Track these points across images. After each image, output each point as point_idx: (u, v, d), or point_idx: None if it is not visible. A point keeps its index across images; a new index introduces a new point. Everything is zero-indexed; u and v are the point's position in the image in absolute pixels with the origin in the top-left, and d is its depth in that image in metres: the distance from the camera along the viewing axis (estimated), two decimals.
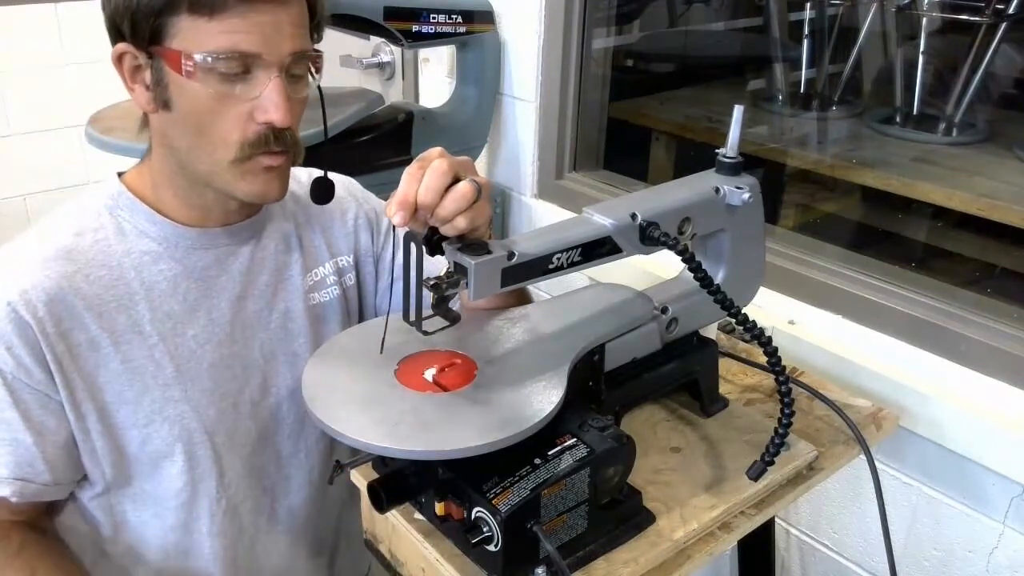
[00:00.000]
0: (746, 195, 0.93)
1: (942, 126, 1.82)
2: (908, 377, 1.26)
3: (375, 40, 2.22)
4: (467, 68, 1.86)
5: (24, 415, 0.90)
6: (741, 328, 0.82)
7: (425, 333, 0.81)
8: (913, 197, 1.62)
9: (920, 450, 1.26)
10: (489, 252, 0.77)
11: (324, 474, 1.09)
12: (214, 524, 1.00)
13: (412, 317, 0.79)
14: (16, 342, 0.87)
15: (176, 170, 0.93)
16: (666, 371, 1.00)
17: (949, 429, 1.21)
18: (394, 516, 0.87)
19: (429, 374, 0.84)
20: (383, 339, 0.87)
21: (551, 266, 0.82)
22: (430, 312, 0.80)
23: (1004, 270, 1.58)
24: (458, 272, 0.77)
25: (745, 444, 1.00)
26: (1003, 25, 1.74)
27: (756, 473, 0.87)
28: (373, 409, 0.80)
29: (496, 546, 0.76)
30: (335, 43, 2.10)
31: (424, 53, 2.08)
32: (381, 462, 0.88)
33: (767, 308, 1.44)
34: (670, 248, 0.83)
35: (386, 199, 0.78)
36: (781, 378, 0.82)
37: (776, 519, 1.36)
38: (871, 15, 1.96)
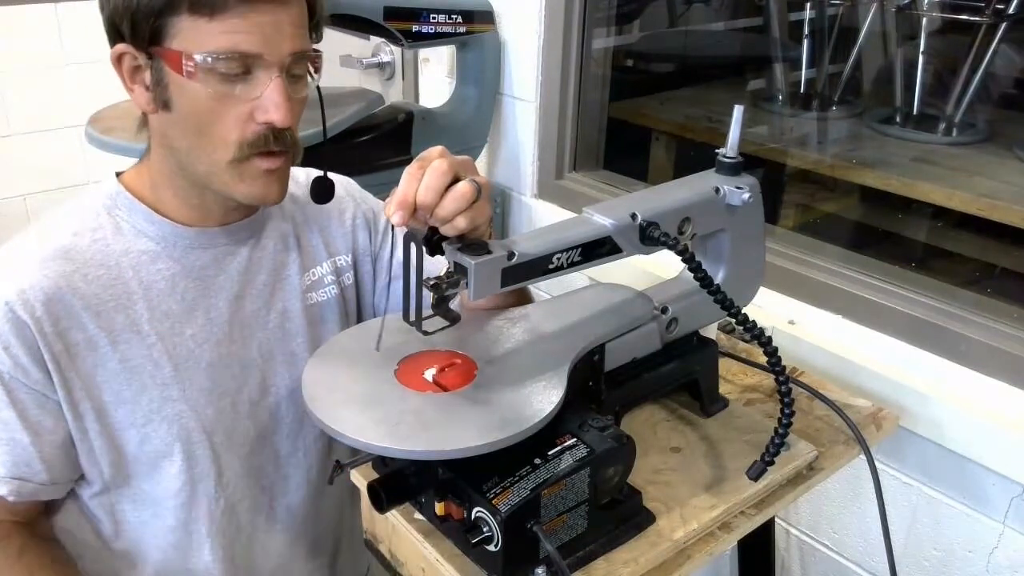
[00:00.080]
0: (746, 195, 0.93)
1: (942, 126, 1.82)
2: (908, 377, 1.26)
3: (375, 40, 2.22)
4: (467, 68, 1.86)
5: (21, 415, 0.90)
6: (741, 328, 0.82)
7: (425, 333, 0.81)
8: (913, 197, 1.62)
9: (920, 450, 1.26)
10: (489, 252, 0.77)
11: (322, 473, 1.09)
12: (213, 523, 1.00)
13: (412, 317, 0.79)
14: (13, 342, 0.87)
15: (175, 170, 0.93)
16: (666, 371, 1.00)
17: (949, 429, 1.21)
18: (394, 516, 0.87)
19: (429, 374, 0.84)
20: (379, 337, 0.87)
21: (551, 266, 0.82)
22: (430, 312, 0.80)
23: (1004, 270, 1.58)
24: (458, 272, 0.77)
25: (745, 444, 1.00)
26: (1003, 25, 1.73)
27: (756, 473, 0.87)
28: (373, 409, 0.80)
29: (496, 546, 0.76)
30: (335, 43, 2.10)
31: (424, 53, 2.08)
32: (381, 462, 0.88)
33: (767, 308, 1.44)
34: (670, 248, 0.83)
35: (385, 199, 0.78)
36: (781, 378, 0.82)
37: (776, 519, 1.36)
38: (871, 15, 1.96)
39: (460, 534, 0.80)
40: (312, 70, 0.91)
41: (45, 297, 0.88)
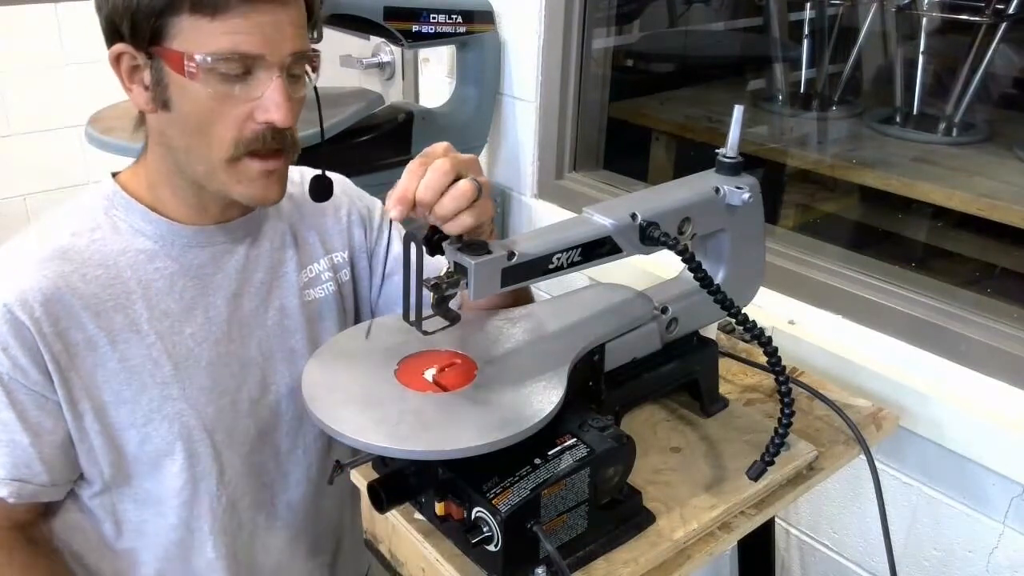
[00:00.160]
0: (746, 195, 0.93)
1: (942, 126, 1.82)
2: (908, 377, 1.26)
3: (375, 40, 2.22)
4: (467, 68, 1.86)
5: (21, 416, 0.90)
6: (741, 328, 0.82)
7: (425, 333, 0.81)
8: (913, 197, 1.62)
9: (920, 450, 1.26)
10: (489, 252, 0.77)
11: (322, 470, 1.09)
12: (215, 521, 1.01)
13: (412, 317, 0.79)
14: (12, 343, 0.87)
15: (173, 169, 0.93)
16: (666, 371, 1.00)
17: (949, 429, 1.21)
18: (394, 516, 0.87)
19: (429, 374, 0.84)
20: (368, 328, 0.88)
21: (551, 266, 0.82)
22: (430, 312, 0.80)
23: (1004, 270, 1.58)
24: (458, 272, 0.77)
25: (745, 444, 1.00)
26: (1003, 25, 1.74)
27: (756, 473, 0.87)
28: (373, 409, 0.80)
29: (496, 546, 0.76)
30: (335, 43, 2.11)
31: (424, 53, 2.08)
32: (381, 462, 0.88)
33: (767, 308, 1.44)
34: (670, 248, 0.83)
35: (384, 198, 0.78)
36: (781, 378, 0.82)
37: (776, 519, 1.36)
38: (871, 15, 1.97)
39: (460, 534, 0.80)
40: (310, 70, 0.91)
41: (43, 298, 0.88)
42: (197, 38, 0.82)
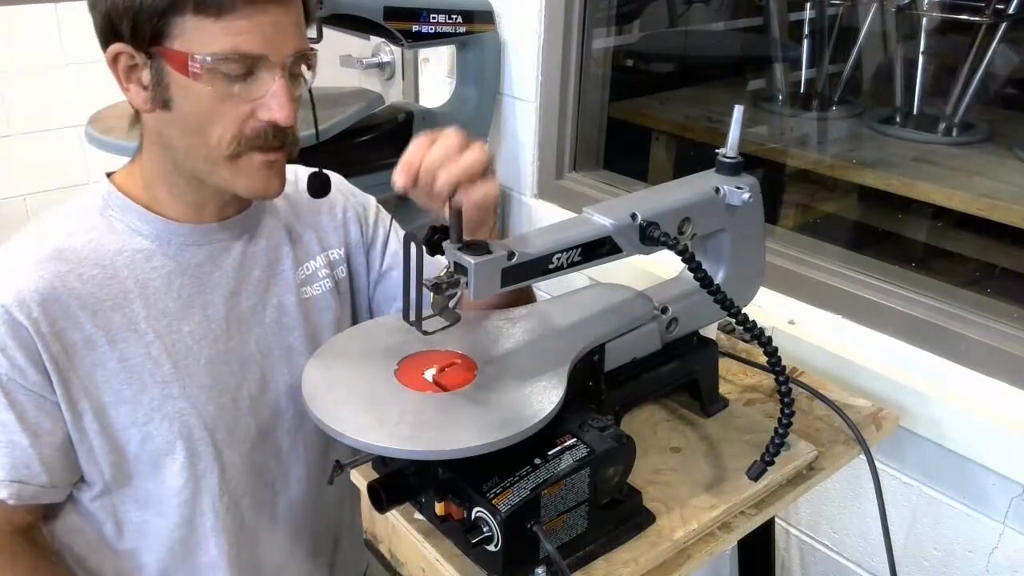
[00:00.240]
0: (746, 195, 0.93)
1: (942, 126, 1.82)
2: (908, 377, 1.26)
3: (375, 40, 2.22)
4: (467, 68, 1.86)
5: (20, 416, 0.90)
6: (741, 328, 0.82)
7: (425, 333, 0.81)
8: (913, 197, 1.62)
9: (920, 450, 1.26)
10: (489, 252, 0.77)
11: (321, 468, 1.09)
12: (218, 521, 1.01)
13: (412, 317, 0.79)
14: (10, 343, 0.87)
15: (171, 168, 0.93)
16: (666, 371, 1.00)
17: (949, 429, 1.21)
18: (394, 516, 0.87)
19: (429, 374, 0.84)
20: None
21: (551, 266, 0.82)
22: (430, 312, 0.80)
23: (1004, 270, 1.58)
24: (458, 272, 0.77)
25: (745, 444, 1.00)
26: (1003, 25, 1.74)
27: (756, 473, 0.87)
28: (373, 409, 0.80)
29: (496, 546, 0.76)
30: (335, 43, 2.11)
31: (424, 53, 2.08)
32: (381, 462, 0.88)
33: (767, 308, 1.44)
34: (670, 248, 0.83)
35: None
36: (781, 378, 0.82)
37: (776, 519, 1.36)
38: (871, 15, 1.97)
39: (460, 534, 0.80)
40: (305, 68, 0.91)
41: (41, 298, 0.88)
42: (200, 38, 0.82)
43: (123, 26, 0.84)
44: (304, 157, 0.99)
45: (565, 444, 0.81)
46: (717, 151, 0.95)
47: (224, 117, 0.86)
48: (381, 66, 2.28)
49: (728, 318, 0.86)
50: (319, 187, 1.02)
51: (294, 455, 1.06)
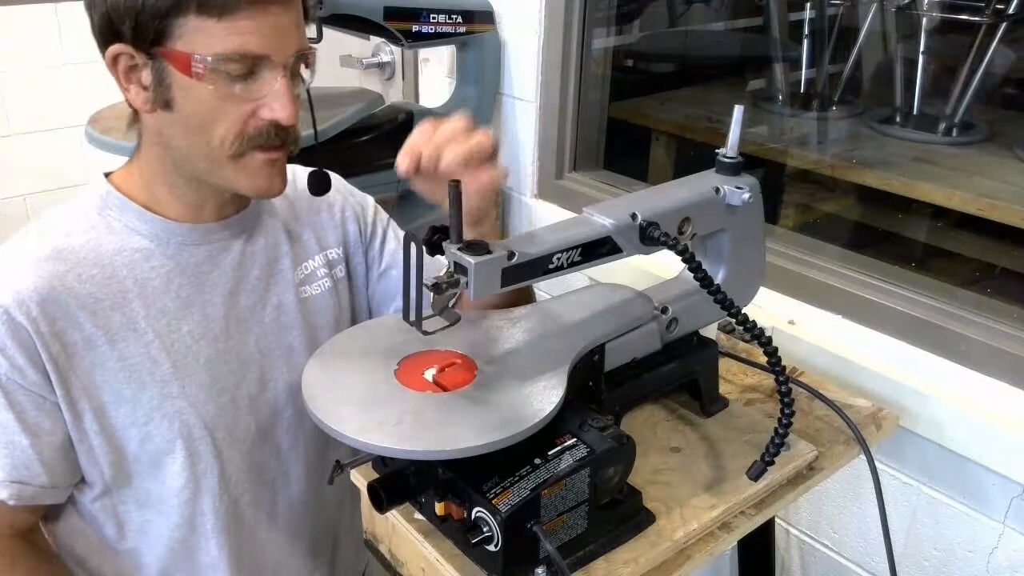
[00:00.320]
0: (746, 195, 0.93)
1: (942, 126, 1.82)
2: (908, 377, 1.26)
3: (375, 40, 2.22)
4: (467, 68, 1.86)
5: (19, 417, 0.90)
6: (741, 328, 0.82)
7: (425, 333, 0.81)
8: (913, 197, 1.62)
9: (920, 450, 1.26)
10: (489, 252, 0.77)
11: (321, 467, 1.09)
12: (218, 520, 1.01)
13: (412, 317, 0.79)
14: (9, 344, 0.87)
15: (171, 168, 0.93)
16: (666, 371, 1.00)
17: (949, 429, 1.21)
18: (394, 516, 0.87)
19: (429, 374, 0.84)
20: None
21: (551, 266, 0.82)
22: (430, 312, 0.80)
23: (1004, 270, 1.58)
24: (458, 272, 0.77)
25: (745, 444, 1.00)
26: (1003, 25, 1.74)
27: (756, 473, 0.87)
28: (373, 409, 0.80)
29: (496, 546, 0.76)
30: (335, 43, 2.10)
31: (424, 53, 2.08)
32: (381, 462, 0.88)
33: (767, 308, 1.44)
34: (670, 248, 0.83)
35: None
36: (781, 378, 0.82)
37: (776, 519, 1.36)
38: (871, 15, 1.97)
39: (460, 534, 0.80)
40: (304, 67, 0.92)
41: (40, 298, 0.88)
42: (203, 39, 0.82)
43: (124, 27, 0.84)
44: (303, 157, 0.99)
45: (565, 444, 0.81)
46: (717, 151, 0.95)
47: (226, 117, 0.86)
48: (381, 66, 2.28)
49: (728, 318, 0.86)
50: (320, 185, 1.02)
51: (293, 454, 1.06)
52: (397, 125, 1.80)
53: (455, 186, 0.75)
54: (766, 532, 1.22)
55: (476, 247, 0.77)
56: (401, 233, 1.17)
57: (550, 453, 0.79)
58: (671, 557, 0.85)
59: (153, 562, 1.01)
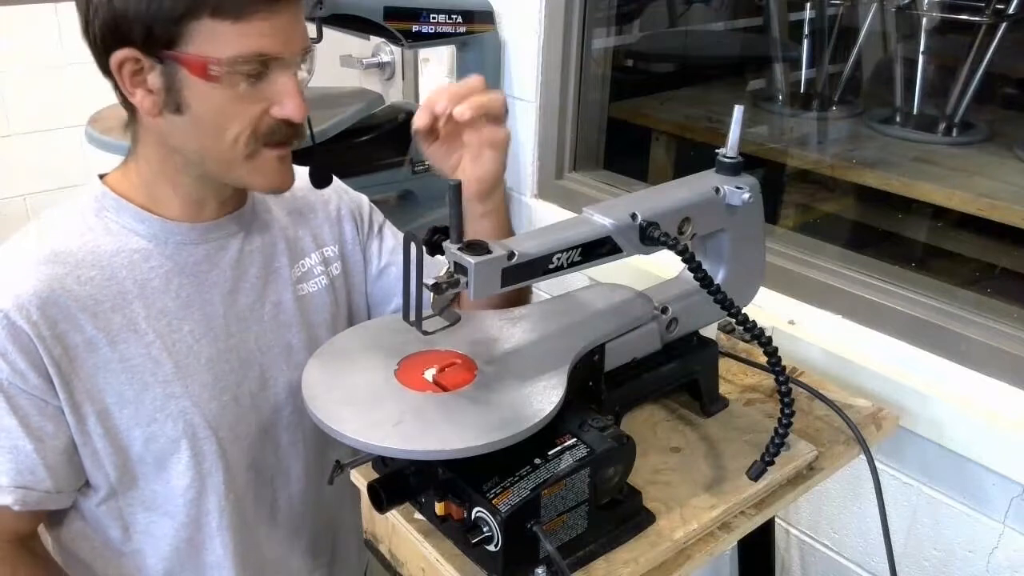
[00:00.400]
0: (746, 195, 0.93)
1: (942, 126, 1.82)
2: (908, 377, 1.26)
3: (375, 40, 2.22)
4: (467, 68, 1.86)
5: (23, 421, 0.90)
6: (741, 328, 0.82)
7: (425, 333, 0.81)
8: (913, 197, 1.62)
9: (920, 450, 1.26)
10: (489, 252, 0.77)
11: (320, 466, 1.09)
12: (223, 518, 1.01)
13: (412, 317, 0.79)
14: (10, 348, 0.87)
15: (179, 169, 0.93)
16: (666, 371, 1.00)
17: (949, 429, 1.21)
18: (394, 516, 0.87)
19: (429, 374, 0.84)
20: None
21: (551, 266, 0.82)
22: (430, 312, 0.80)
23: (1004, 270, 1.58)
24: (458, 272, 0.77)
25: (745, 444, 1.00)
26: (1003, 25, 1.74)
27: (756, 473, 0.87)
28: (373, 409, 0.80)
29: (496, 546, 0.76)
30: (335, 43, 2.10)
31: (424, 53, 2.08)
32: (381, 462, 0.88)
33: (767, 308, 1.44)
34: (670, 248, 0.83)
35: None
36: (781, 378, 0.82)
37: (776, 519, 1.36)
38: (871, 15, 1.97)
39: (460, 534, 0.80)
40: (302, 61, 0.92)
41: (40, 301, 0.88)
42: (218, 41, 0.82)
43: (134, 31, 0.83)
44: (302, 157, 1.00)
45: (565, 444, 0.81)
46: (717, 151, 0.95)
47: (240, 117, 0.87)
48: (381, 66, 2.28)
49: (728, 318, 0.86)
50: (320, 178, 1.03)
51: (293, 451, 1.06)
52: (397, 125, 1.80)
53: (455, 186, 0.75)
54: (766, 532, 1.22)
55: (476, 247, 0.77)
56: (398, 232, 1.17)
57: (550, 453, 0.79)
58: (671, 557, 0.85)
59: (158, 563, 1.01)
